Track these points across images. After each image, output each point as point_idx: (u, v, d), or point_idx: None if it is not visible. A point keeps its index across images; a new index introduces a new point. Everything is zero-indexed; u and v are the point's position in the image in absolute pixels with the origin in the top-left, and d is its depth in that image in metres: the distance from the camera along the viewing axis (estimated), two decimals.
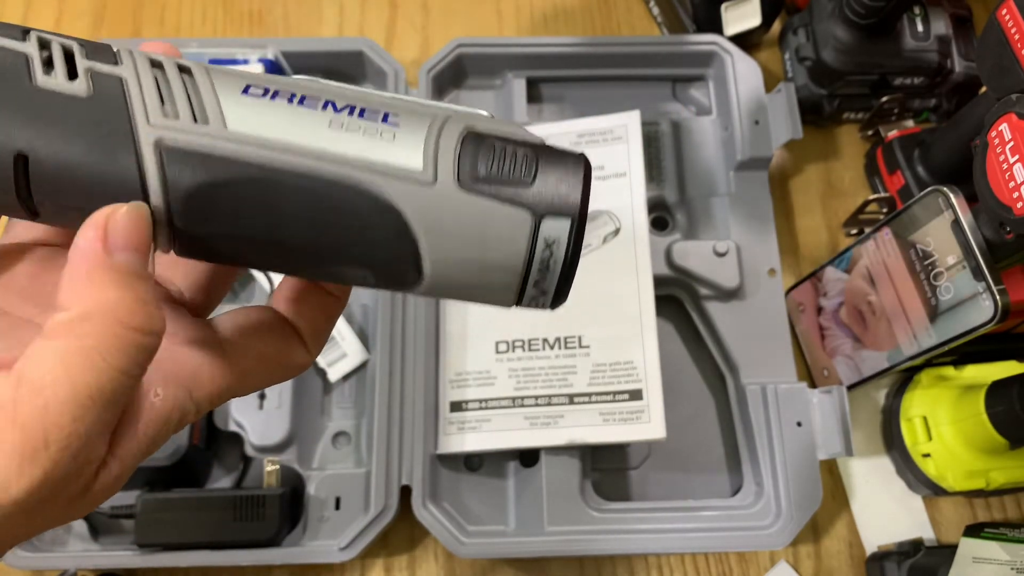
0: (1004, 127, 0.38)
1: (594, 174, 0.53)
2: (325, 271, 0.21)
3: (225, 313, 0.24)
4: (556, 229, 0.19)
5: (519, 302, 0.21)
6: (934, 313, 0.44)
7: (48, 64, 0.19)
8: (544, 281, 0.20)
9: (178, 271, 0.25)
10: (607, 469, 0.52)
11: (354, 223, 0.19)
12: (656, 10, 0.63)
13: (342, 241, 0.19)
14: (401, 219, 0.19)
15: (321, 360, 0.51)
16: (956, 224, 0.42)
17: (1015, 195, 0.37)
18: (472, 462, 0.51)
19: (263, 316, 0.24)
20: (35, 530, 0.19)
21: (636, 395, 0.48)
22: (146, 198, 0.19)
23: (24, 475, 0.17)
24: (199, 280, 0.25)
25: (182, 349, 0.22)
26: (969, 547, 0.46)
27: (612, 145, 0.53)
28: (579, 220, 0.19)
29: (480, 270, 0.20)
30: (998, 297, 0.40)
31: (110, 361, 0.17)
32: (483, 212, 0.19)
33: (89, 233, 0.18)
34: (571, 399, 0.48)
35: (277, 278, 0.51)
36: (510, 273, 0.20)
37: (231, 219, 0.19)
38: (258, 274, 0.53)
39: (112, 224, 0.18)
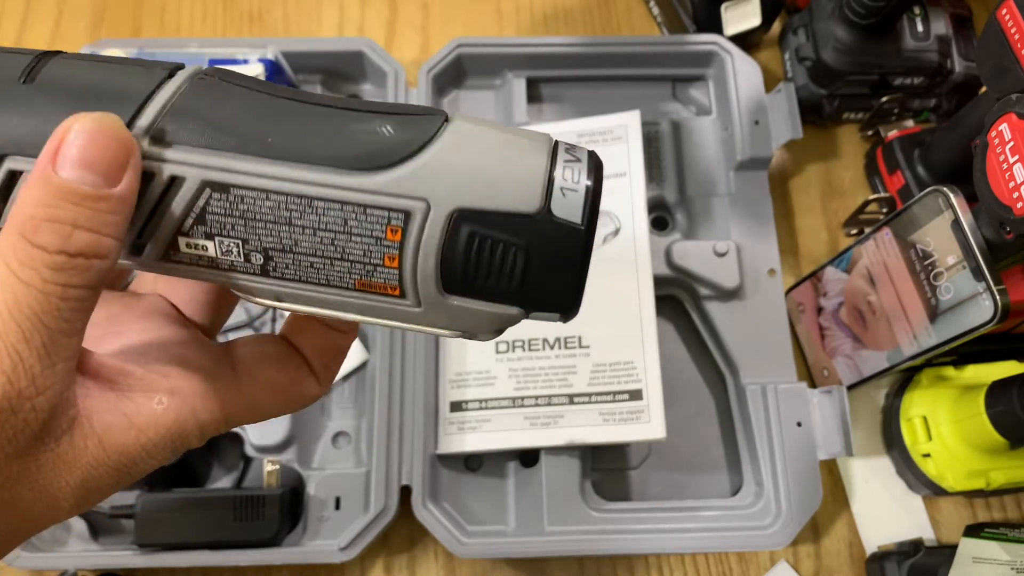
0: (1004, 127, 0.38)
1: None
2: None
3: (237, 339, 0.24)
4: (547, 317, 0.20)
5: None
6: (934, 313, 0.44)
7: None
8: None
9: (179, 292, 0.25)
10: (607, 469, 0.52)
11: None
12: (656, 10, 0.63)
13: None
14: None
15: None
16: (956, 224, 0.42)
17: (1015, 195, 0.37)
18: (472, 462, 0.51)
19: (275, 345, 0.24)
20: (6, 476, 0.18)
21: (636, 395, 0.48)
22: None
23: None
24: (201, 299, 0.25)
25: (193, 367, 0.21)
26: (969, 547, 0.46)
27: (612, 145, 0.53)
28: (571, 314, 0.20)
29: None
30: (998, 297, 0.40)
31: (20, 276, 0.17)
32: (473, 310, 0.20)
33: (48, 144, 0.17)
34: (571, 399, 0.48)
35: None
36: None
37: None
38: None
39: (67, 134, 0.17)
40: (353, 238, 0.19)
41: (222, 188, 0.18)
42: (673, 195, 0.56)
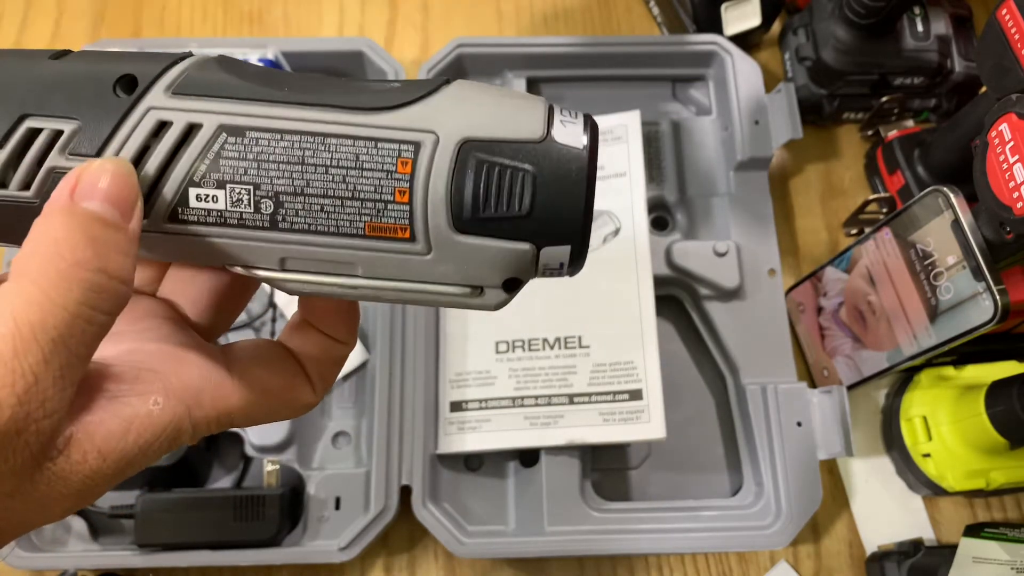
0: (1004, 127, 0.38)
1: None
2: None
3: (236, 342, 0.24)
4: (556, 254, 0.20)
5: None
6: (934, 313, 0.44)
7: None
8: (549, 275, 0.21)
9: (184, 292, 0.25)
10: (607, 469, 0.52)
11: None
12: (656, 10, 0.63)
13: None
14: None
15: None
16: (956, 224, 0.42)
17: (1015, 195, 0.37)
18: (472, 462, 0.51)
19: (273, 350, 0.24)
20: (13, 481, 0.18)
21: (636, 395, 0.48)
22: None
23: None
24: (205, 300, 0.25)
25: (188, 366, 0.21)
26: (969, 547, 0.46)
27: (612, 145, 0.53)
28: (581, 248, 0.20)
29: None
30: (998, 297, 0.40)
31: (51, 296, 0.17)
32: (483, 249, 0.19)
33: (62, 184, 0.18)
34: (571, 399, 0.48)
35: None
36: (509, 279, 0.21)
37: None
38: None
39: (84, 174, 0.18)
40: (364, 173, 0.19)
41: (237, 131, 0.19)
42: (673, 195, 0.56)
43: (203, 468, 0.51)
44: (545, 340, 0.50)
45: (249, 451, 0.49)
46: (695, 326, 0.54)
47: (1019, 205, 0.37)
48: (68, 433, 0.18)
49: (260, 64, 0.20)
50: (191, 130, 0.19)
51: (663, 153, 0.57)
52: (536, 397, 0.48)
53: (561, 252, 0.20)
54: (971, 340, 0.43)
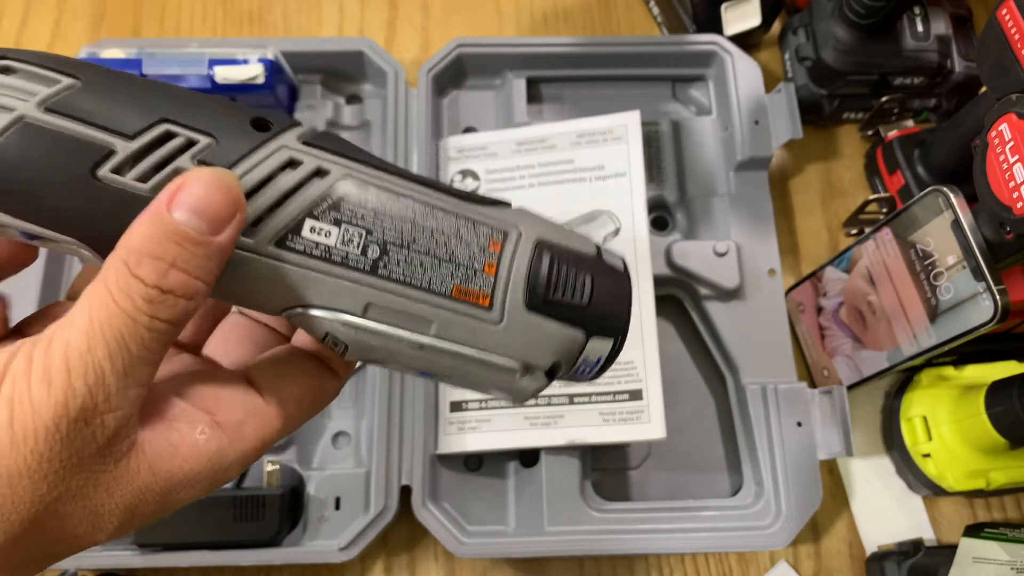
0: (1004, 127, 0.38)
1: (594, 174, 0.53)
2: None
3: (254, 364, 0.24)
4: (600, 347, 0.23)
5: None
6: (934, 313, 0.44)
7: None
8: (579, 373, 0.24)
9: (227, 352, 0.26)
10: (607, 469, 0.52)
11: None
12: (656, 10, 0.63)
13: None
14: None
15: None
16: (956, 224, 0.42)
17: (1015, 195, 0.37)
18: (472, 462, 0.51)
19: (293, 358, 0.24)
20: (66, 487, 0.18)
21: (636, 395, 0.48)
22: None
23: (51, 397, 0.17)
24: (246, 357, 0.26)
25: (228, 401, 0.22)
26: (969, 547, 0.46)
27: (612, 145, 0.53)
28: (622, 338, 0.23)
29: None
30: (998, 297, 0.40)
31: (116, 299, 0.18)
32: (545, 328, 0.22)
33: (169, 186, 0.19)
34: (571, 399, 0.48)
35: None
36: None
37: None
38: None
39: (187, 180, 0.19)
40: (462, 243, 0.21)
41: (361, 184, 0.21)
42: (673, 195, 0.56)
43: None
44: None
45: None
46: (695, 326, 0.54)
47: (1019, 205, 0.37)
48: (132, 438, 0.19)
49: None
50: (319, 172, 0.21)
51: (663, 153, 0.57)
52: (536, 397, 0.48)
53: (604, 346, 0.23)
54: (971, 340, 0.43)
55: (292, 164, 0.20)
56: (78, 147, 0.19)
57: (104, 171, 0.19)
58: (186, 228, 0.18)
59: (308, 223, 0.20)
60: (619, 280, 0.23)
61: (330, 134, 0.22)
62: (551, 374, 0.23)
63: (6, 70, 0.19)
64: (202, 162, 0.20)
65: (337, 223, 0.20)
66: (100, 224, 0.19)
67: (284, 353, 0.24)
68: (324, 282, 0.21)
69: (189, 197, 0.18)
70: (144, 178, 0.19)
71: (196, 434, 0.21)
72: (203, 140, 0.20)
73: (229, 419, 0.22)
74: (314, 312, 0.21)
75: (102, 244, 0.19)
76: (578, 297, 0.22)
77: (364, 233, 0.21)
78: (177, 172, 0.19)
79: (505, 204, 0.23)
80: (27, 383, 0.17)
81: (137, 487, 0.19)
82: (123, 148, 0.19)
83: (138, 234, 0.18)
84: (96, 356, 0.18)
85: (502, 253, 0.22)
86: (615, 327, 0.23)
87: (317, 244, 0.20)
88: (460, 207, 0.22)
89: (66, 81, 0.19)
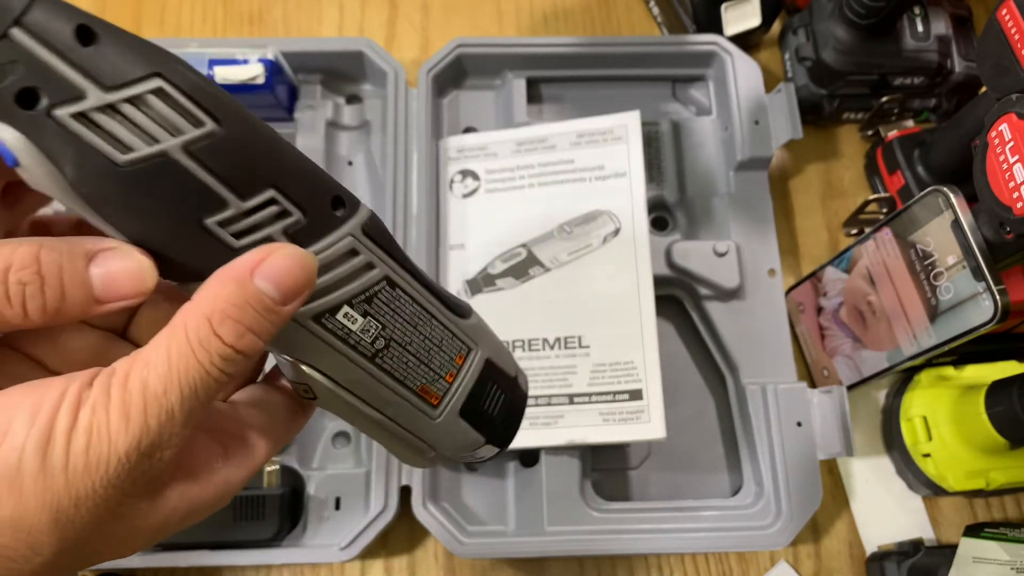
0: (1004, 127, 0.38)
1: (594, 174, 0.53)
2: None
3: (251, 400, 0.26)
4: (489, 451, 0.28)
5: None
6: (934, 313, 0.44)
7: None
8: (465, 460, 0.30)
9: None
10: (607, 469, 0.52)
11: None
12: (656, 10, 0.63)
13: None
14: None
15: None
16: (956, 224, 0.42)
17: (1015, 195, 0.37)
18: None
19: (271, 398, 0.26)
20: (119, 510, 0.20)
21: (636, 395, 0.48)
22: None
23: (128, 432, 0.19)
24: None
25: (234, 437, 0.24)
26: (969, 547, 0.46)
27: (612, 145, 0.53)
28: (504, 448, 0.29)
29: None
30: (998, 297, 0.40)
31: (197, 353, 0.20)
32: (464, 432, 0.27)
33: (253, 254, 0.21)
34: (571, 399, 0.48)
35: None
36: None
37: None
38: None
39: (274, 255, 0.21)
40: (441, 352, 0.26)
41: (392, 284, 0.24)
42: (673, 195, 0.56)
43: None
44: (545, 340, 0.50)
45: None
46: (695, 326, 0.54)
47: (1019, 205, 0.37)
48: (172, 470, 0.22)
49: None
50: (367, 266, 0.23)
51: (663, 153, 0.57)
52: (536, 397, 0.48)
53: (492, 451, 0.28)
54: (971, 340, 0.43)
55: (352, 253, 0.23)
56: (201, 195, 0.20)
57: (211, 221, 0.20)
58: (265, 297, 0.20)
59: (344, 308, 0.23)
60: (521, 401, 0.29)
61: (380, 225, 0.24)
62: (447, 459, 0.28)
63: (159, 93, 0.20)
64: (289, 235, 0.22)
65: (365, 314, 0.24)
66: (182, 256, 0.21)
67: (263, 395, 0.26)
68: (332, 355, 0.23)
69: (274, 271, 0.21)
70: (239, 235, 0.21)
71: (214, 464, 0.23)
72: (295, 215, 0.22)
73: (235, 451, 0.24)
74: (307, 370, 0.24)
75: (171, 270, 0.21)
76: (493, 411, 0.28)
77: (380, 327, 0.24)
78: (268, 239, 0.21)
79: (467, 309, 0.27)
80: (106, 415, 0.19)
81: (167, 511, 0.22)
82: (236, 207, 0.21)
83: (223, 295, 0.20)
84: (171, 399, 0.20)
85: (462, 367, 0.26)
86: (505, 439, 0.28)
87: (343, 327, 0.23)
88: (446, 317, 0.26)
89: (210, 126, 0.20)
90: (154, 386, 0.20)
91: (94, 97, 0.19)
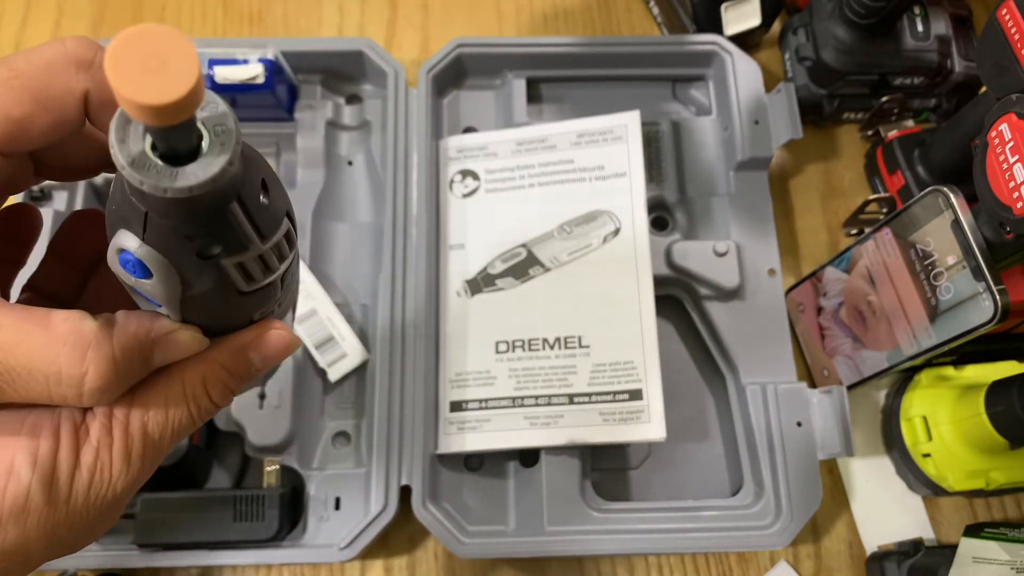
0: (1004, 127, 0.38)
1: (594, 174, 0.53)
2: None
3: None
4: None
5: None
6: (934, 313, 0.44)
7: None
8: None
9: None
10: (607, 469, 0.52)
11: None
12: (656, 10, 0.63)
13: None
14: None
15: (321, 360, 0.51)
16: (956, 224, 0.42)
17: (1015, 195, 0.37)
18: (472, 462, 0.51)
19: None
20: (106, 523, 0.23)
21: (636, 395, 0.48)
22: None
23: (127, 474, 0.22)
24: None
25: None
26: (969, 547, 0.46)
27: (612, 145, 0.53)
28: None
29: None
30: (998, 297, 0.40)
31: (191, 408, 0.23)
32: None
33: (249, 333, 0.24)
34: (571, 399, 0.48)
35: None
36: None
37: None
38: None
39: (270, 340, 0.24)
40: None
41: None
42: (673, 195, 0.56)
43: (203, 468, 0.51)
44: (545, 340, 0.50)
45: (249, 451, 0.49)
46: (695, 326, 0.54)
47: (1019, 205, 0.37)
48: None
49: None
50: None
51: (663, 153, 0.57)
52: (536, 397, 0.48)
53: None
54: (971, 340, 0.43)
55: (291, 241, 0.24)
56: (229, 236, 0.20)
57: (227, 261, 0.21)
58: (253, 367, 0.24)
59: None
60: None
61: None
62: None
63: (287, 235, 0.22)
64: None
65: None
66: (183, 276, 0.21)
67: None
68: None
69: (271, 354, 0.24)
70: (247, 280, 0.22)
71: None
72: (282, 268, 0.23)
73: None
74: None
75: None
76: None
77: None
78: (272, 288, 0.23)
79: None
80: (109, 457, 0.21)
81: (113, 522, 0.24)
82: (255, 249, 0.21)
83: (220, 361, 0.23)
84: (163, 444, 0.22)
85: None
86: None
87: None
88: None
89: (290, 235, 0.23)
90: (152, 431, 0.22)
91: (254, 249, 0.21)
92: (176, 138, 0.17)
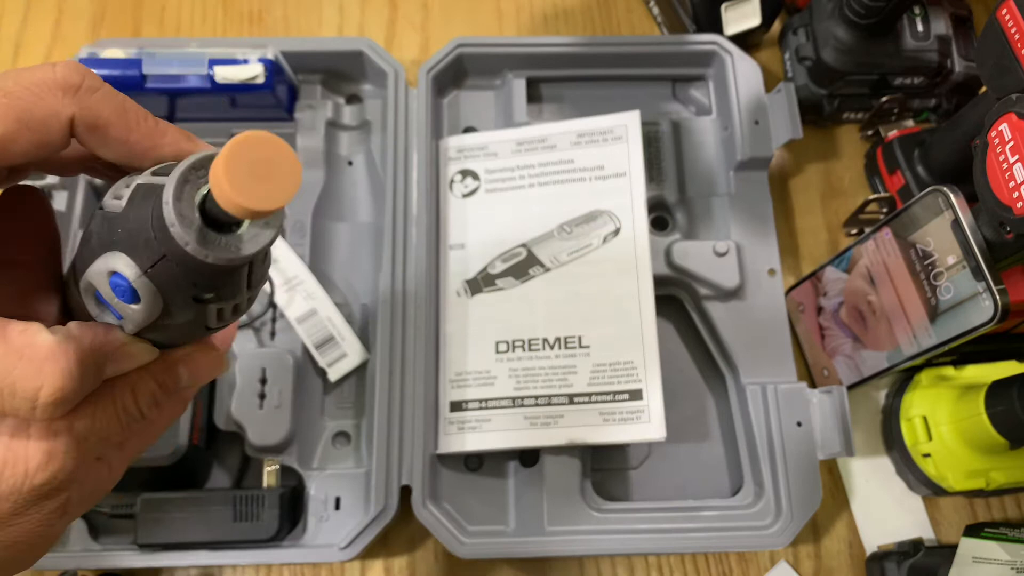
0: (1004, 127, 0.38)
1: (594, 174, 0.53)
2: None
3: None
4: None
5: None
6: (934, 313, 0.44)
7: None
8: None
9: None
10: (607, 469, 0.52)
11: None
12: (656, 10, 0.63)
13: None
14: None
15: (321, 360, 0.51)
16: (956, 224, 0.42)
17: (1015, 195, 0.37)
18: (472, 462, 0.51)
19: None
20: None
21: (636, 395, 0.48)
22: None
23: (47, 467, 0.22)
24: None
25: None
26: (969, 547, 0.46)
27: (612, 145, 0.53)
28: None
29: None
30: (998, 297, 0.40)
31: (120, 416, 0.24)
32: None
33: (179, 353, 0.25)
34: (571, 399, 0.48)
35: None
36: None
37: None
38: None
39: (202, 365, 0.25)
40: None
41: None
42: (673, 195, 0.56)
43: (203, 468, 0.51)
44: (545, 340, 0.50)
45: (249, 451, 0.49)
46: (695, 326, 0.54)
47: (1019, 205, 0.37)
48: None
49: None
50: None
51: (663, 153, 0.57)
52: (536, 397, 0.48)
53: None
54: (971, 340, 0.43)
55: None
56: (228, 288, 0.22)
57: (213, 305, 0.22)
58: (182, 384, 0.25)
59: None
60: None
61: None
62: None
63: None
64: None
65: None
66: (169, 310, 0.22)
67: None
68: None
69: (200, 373, 0.25)
70: (219, 319, 0.23)
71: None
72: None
73: None
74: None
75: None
76: None
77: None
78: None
79: None
80: (25, 448, 0.21)
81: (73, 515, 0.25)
82: (240, 297, 0.23)
83: (154, 375, 0.24)
84: (88, 446, 0.23)
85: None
86: None
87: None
88: None
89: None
90: (78, 430, 0.22)
91: (240, 298, 0.22)
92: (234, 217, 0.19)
